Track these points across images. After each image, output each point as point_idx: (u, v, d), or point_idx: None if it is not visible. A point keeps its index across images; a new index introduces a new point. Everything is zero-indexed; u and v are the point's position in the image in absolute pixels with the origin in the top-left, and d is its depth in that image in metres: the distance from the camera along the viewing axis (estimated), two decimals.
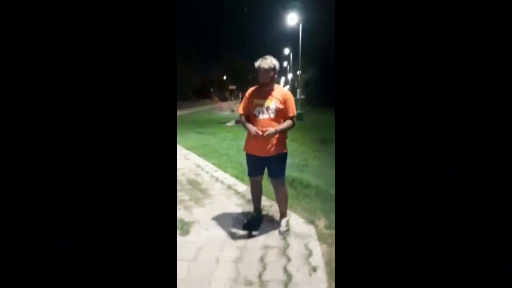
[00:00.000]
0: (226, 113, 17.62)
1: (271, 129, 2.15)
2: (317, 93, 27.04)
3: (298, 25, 16.65)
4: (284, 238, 2.31)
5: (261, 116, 2.23)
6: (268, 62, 2.18)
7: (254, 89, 2.34)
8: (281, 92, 2.28)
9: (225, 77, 59.21)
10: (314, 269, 1.90)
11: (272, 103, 2.21)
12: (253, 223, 2.46)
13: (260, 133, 2.12)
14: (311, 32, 20.93)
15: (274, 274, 1.87)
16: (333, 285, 1.75)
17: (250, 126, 2.23)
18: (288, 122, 2.28)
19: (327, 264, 1.96)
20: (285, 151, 2.36)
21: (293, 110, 2.30)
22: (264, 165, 2.39)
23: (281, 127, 2.21)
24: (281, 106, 2.21)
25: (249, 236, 2.33)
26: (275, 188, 2.48)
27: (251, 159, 2.41)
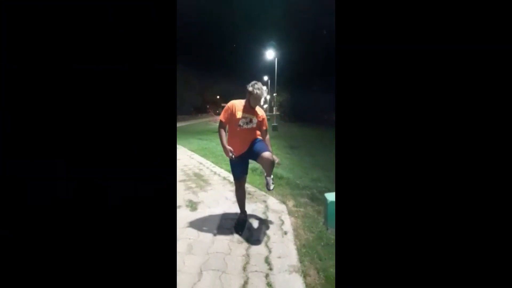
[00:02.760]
0: None
1: (275, 158, 2.10)
2: (289, 111, 27.45)
3: (274, 59, 17.00)
4: (264, 213, 2.51)
5: (245, 126, 2.07)
6: (264, 93, 2.09)
7: (240, 104, 2.08)
8: (259, 110, 2.15)
9: (218, 97, 58.91)
10: (285, 233, 2.10)
11: (254, 118, 2.09)
12: (241, 225, 2.17)
13: (233, 155, 1.99)
14: (284, 65, 21.37)
15: (257, 235, 2.07)
16: (298, 243, 1.98)
17: (226, 146, 2.02)
18: (267, 136, 2.22)
19: (294, 230, 2.16)
20: (266, 134, 2.19)
21: (266, 125, 2.20)
22: (247, 163, 2.20)
23: (268, 145, 2.15)
24: (260, 120, 2.12)
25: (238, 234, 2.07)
26: (266, 159, 2.00)
27: (236, 161, 2.13)
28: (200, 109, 45.24)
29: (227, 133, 2.14)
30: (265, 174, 2.13)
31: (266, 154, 1.99)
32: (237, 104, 2.08)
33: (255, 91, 1.99)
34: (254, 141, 2.12)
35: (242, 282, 1.50)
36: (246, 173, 2.25)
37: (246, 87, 2.05)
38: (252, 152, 2.10)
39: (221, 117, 2.11)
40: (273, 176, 3.96)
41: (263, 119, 2.14)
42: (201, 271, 1.59)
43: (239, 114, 2.05)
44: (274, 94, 26.16)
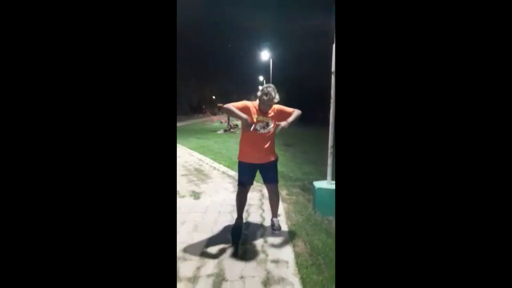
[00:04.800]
0: (216, 124, 17.74)
1: (284, 123, 1.88)
2: None
3: (269, 59, 17.27)
4: (260, 200, 2.80)
5: (262, 131, 1.91)
6: (274, 94, 1.87)
7: (254, 107, 1.92)
8: (274, 109, 1.96)
9: (214, 97, 58.87)
10: (278, 215, 2.39)
11: (271, 122, 1.93)
12: (237, 232, 2.00)
13: (253, 126, 1.83)
14: (279, 65, 21.68)
15: (255, 218, 2.36)
16: (289, 223, 2.27)
17: (243, 115, 1.82)
18: (297, 112, 2.00)
19: (286, 213, 2.46)
20: (277, 157, 2.07)
21: (290, 109, 1.99)
22: (255, 174, 2.04)
23: (291, 119, 1.93)
24: (279, 113, 1.96)
25: (234, 243, 1.89)
26: (271, 192, 2.09)
27: (247, 168, 1.99)
28: (196, 109, 45.21)
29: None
30: (272, 216, 2.11)
31: (271, 187, 2.02)
32: (252, 107, 1.90)
33: (263, 96, 1.83)
34: (270, 164, 1.98)
35: (241, 251, 1.79)
36: (252, 183, 2.07)
37: (247, 93, 2.10)
38: (264, 175, 2.04)
39: (237, 106, 1.87)
40: None
41: (280, 111, 1.96)
42: (207, 244, 1.88)
43: (255, 117, 1.88)
44: None
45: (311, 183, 2.71)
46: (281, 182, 3.45)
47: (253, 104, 1.93)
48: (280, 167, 4.24)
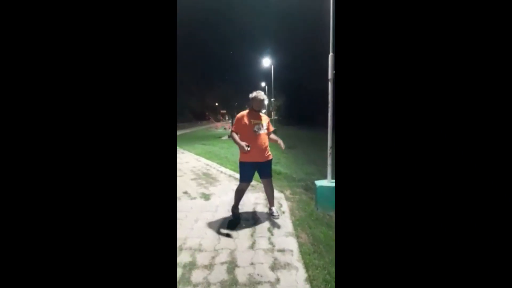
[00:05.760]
0: (220, 130, 18.03)
1: (280, 141, 2.43)
2: (286, 115, 28.06)
3: (270, 66, 17.64)
4: (266, 199, 2.99)
5: (260, 131, 2.30)
6: (264, 96, 2.38)
7: (248, 113, 2.33)
8: (264, 116, 2.43)
9: (216, 104, 59.46)
10: (283, 212, 2.59)
11: (264, 122, 2.35)
12: (236, 216, 2.45)
13: (247, 149, 2.16)
14: (280, 71, 22.02)
15: (262, 215, 2.55)
16: (293, 218, 2.47)
17: (241, 143, 2.20)
18: (276, 135, 2.54)
19: (290, 210, 2.65)
20: (271, 156, 2.45)
21: (271, 127, 2.50)
22: (255, 171, 2.37)
23: (279, 139, 2.47)
24: (266, 124, 2.39)
25: (234, 220, 2.38)
26: (267, 185, 2.45)
27: (250, 166, 2.33)
28: (199, 116, 45.72)
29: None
30: (269, 206, 2.50)
31: (268, 181, 2.42)
32: (246, 114, 2.33)
33: (258, 96, 2.33)
34: (268, 162, 2.39)
35: (250, 243, 1.99)
36: (251, 180, 2.42)
37: (248, 97, 2.42)
38: (262, 171, 2.40)
39: (234, 127, 2.35)
40: (272, 171, 4.45)
41: (268, 123, 2.43)
42: (219, 238, 2.08)
43: (251, 122, 2.29)
44: (272, 99, 26.81)
45: (313, 183, 2.90)
46: (284, 183, 3.66)
47: (246, 112, 2.36)
48: (283, 169, 4.51)
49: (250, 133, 2.29)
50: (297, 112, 21.44)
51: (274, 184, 3.51)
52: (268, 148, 2.40)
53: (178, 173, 4.55)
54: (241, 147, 2.20)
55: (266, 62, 17.63)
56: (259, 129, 2.32)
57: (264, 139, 2.35)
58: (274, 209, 2.47)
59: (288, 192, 3.24)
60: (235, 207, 2.49)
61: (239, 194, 2.46)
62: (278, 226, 2.27)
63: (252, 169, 2.36)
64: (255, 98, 2.35)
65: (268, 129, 2.41)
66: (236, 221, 2.39)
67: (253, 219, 2.46)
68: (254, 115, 2.36)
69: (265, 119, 2.40)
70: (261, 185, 3.47)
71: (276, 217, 2.39)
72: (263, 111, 2.46)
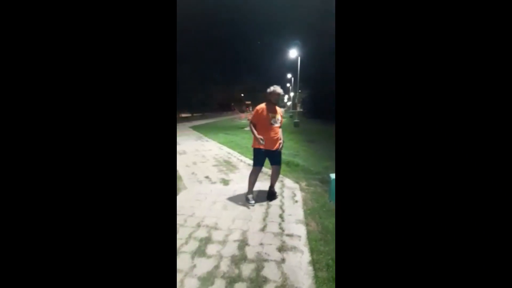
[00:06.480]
0: (244, 121, 18.31)
1: (281, 141, 2.62)
2: (311, 107, 27.48)
3: (297, 58, 17.31)
4: (281, 189, 3.11)
5: (275, 124, 2.54)
6: (280, 90, 2.59)
7: (266, 107, 2.53)
8: (279, 109, 2.63)
9: (242, 95, 59.99)
10: (296, 201, 2.69)
11: (279, 116, 2.58)
12: (249, 198, 2.69)
13: (263, 142, 2.40)
14: (307, 63, 21.53)
15: (275, 202, 2.68)
16: (305, 207, 2.56)
17: (258, 136, 2.43)
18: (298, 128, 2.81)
19: (303, 200, 2.74)
20: (282, 146, 2.68)
21: (282, 119, 2.69)
22: (266, 157, 2.61)
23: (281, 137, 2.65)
24: (280, 117, 2.63)
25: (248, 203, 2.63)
26: (275, 171, 2.67)
27: (262, 154, 2.56)
28: (225, 107, 46.49)
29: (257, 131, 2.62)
30: (270, 186, 2.75)
31: (277, 167, 2.65)
32: (265, 107, 2.53)
33: (276, 90, 2.54)
34: (278, 151, 2.61)
35: (262, 226, 2.13)
36: (263, 165, 2.68)
37: (266, 92, 2.59)
38: (273, 159, 2.63)
39: (252, 118, 2.54)
40: (291, 163, 4.50)
41: (281, 116, 2.66)
42: (234, 219, 2.26)
43: (269, 115, 2.51)
44: (299, 91, 26.42)
45: (329, 176, 2.95)
46: (301, 175, 3.74)
47: (265, 105, 2.55)
48: (301, 161, 4.59)
49: (267, 125, 2.50)
50: (322, 105, 20.96)
51: (290, 175, 3.66)
52: (279, 138, 2.59)
53: (201, 160, 4.83)
54: (257, 140, 2.44)
55: (293, 53, 17.30)
56: (275, 122, 2.53)
57: (277, 131, 2.57)
58: (273, 189, 2.76)
59: (303, 184, 3.33)
60: (249, 193, 2.71)
61: (252, 177, 2.68)
62: (290, 213, 2.38)
63: (264, 156, 2.60)
64: (273, 92, 2.54)
65: (280, 121, 2.62)
66: (248, 198, 2.66)
67: (267, 205, 2.60)
68: (271, 108, 2.54)
69: (279, 112, 2.59)
70: (279, 176, 3.62)
71: (275, 196, 2.72)
72: (287, 101, 2.65)
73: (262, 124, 2.50)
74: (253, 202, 2.62)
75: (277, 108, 2.60)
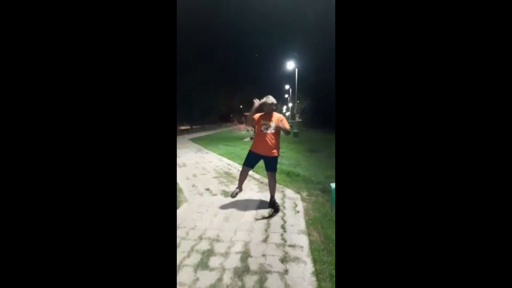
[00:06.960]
0: (243, 132, 18.39)
1: (287, 126, 2.76)
2: (310, 117, 27.70)
3: (294, 69, 17.65)
4: (282, 199, 3.11)
5: (267, 131, 2.71)
6: (273, 100, 2.77)
7: (261, 115, 2.79)
8: (276, 116, 2.76)
9: (241, 106, 60.42)
10: (298, 212, 2.68)
11: (273, 123, 2.71)
12: (234, 194, 2.95)
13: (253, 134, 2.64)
14: (304, 74, 21.90)
15: (275, 213, 2.69)
16: (307, 218, 2.56)
17: (253, 115, 2.76)
18: (287, 126, 2.79)
19: (305, 210, 2.73)
20: (278, 154, 2.79)
21: (287, 125, 2.81)
22: (257, 161, 2.80)
23: (282, 125, 2.71)
24: (280, 125, 2.68)
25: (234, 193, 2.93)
26: (270, 178, 2.77)
27: (254, 155, 2.78)
28: (224, 118, 46.85)
29: (254, 133, 2.80)
30: (270, 197, 2.82)
31: (271, 174, 2.78)
32: (259, 115, 2.82)
33: (267, 101, 2.74)
34: (272, 157, 2.73)
35: (264, 237, 2.12)
36: (252, 167, 2.92)
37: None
38: (267, 165, 2.78)
39: (255, 117, 2.83)
40: (291, 173, 4.50)
41: (281, 120, 2.75)
42: (236, 231, 2.25)
43: (261, 122, 2.77)
44: (297, 102, 26.66)
45: (330, 185, 2.95)
46: (302, 185, 3.74)
47: (259, 114, 2.83)
48: (302, 171, 4.59)
49: (258, 130, 2.79)
50: (322, 115, 21.11)
51: (291, 185, 3.66)
52: (274, 146, 2.73)
53: (201, 172, 4.83)
54: (248, 119, 2.83)
55: (290, 65, 17.69)
56: (266, 128, 2.73)
57: (270, 137, 2.71)
58: (273, 199, 2.80)
59: (304, 194, 3.32)
60: (237, 187, 2.98)
61: (240, 176, 2.94)
62: (292, 224, 2.38)
63: (255, 158, 2.80)
64: (264, 103, 2.78)
65: (277, 129, 2.74)
66: (232, 194, 2.95)
67: (268, 216, 2.60)
68: (265, 116, 2.78)
69: (275, 119, 2.74)
70: (277, 186, 3.61)
71: (277, 207, 2.71)
72: (285, 112, 2.75)
73: (256, 130, 2.84)
74: (235, 193, 2.93)
75: (274, 115, 2.77)
